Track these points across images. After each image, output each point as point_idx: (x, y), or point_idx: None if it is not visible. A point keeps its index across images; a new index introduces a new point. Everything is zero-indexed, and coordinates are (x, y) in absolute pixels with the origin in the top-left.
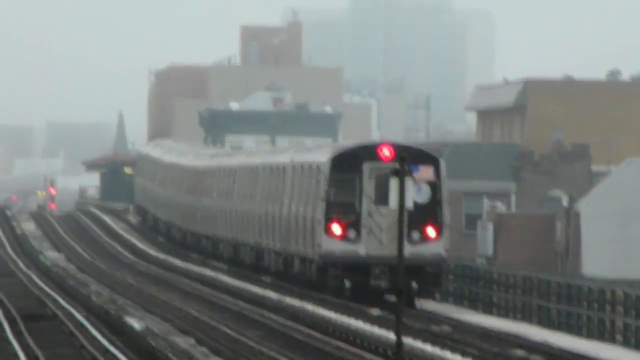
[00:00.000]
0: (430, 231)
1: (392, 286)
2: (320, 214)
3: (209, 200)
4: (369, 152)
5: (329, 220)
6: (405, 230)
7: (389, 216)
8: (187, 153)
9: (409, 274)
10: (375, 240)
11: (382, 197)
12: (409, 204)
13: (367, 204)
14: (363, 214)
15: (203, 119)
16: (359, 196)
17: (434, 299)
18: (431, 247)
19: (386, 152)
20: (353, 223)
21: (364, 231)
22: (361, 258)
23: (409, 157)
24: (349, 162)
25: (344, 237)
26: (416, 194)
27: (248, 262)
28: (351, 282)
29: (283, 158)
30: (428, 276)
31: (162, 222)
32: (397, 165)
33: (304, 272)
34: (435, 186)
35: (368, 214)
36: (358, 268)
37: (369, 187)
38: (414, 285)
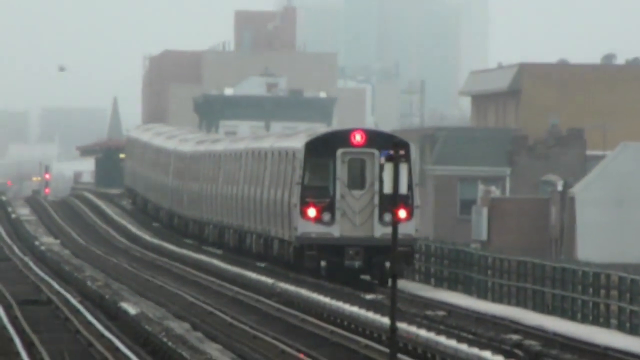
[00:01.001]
0: (402, 213)
1: (367, 266)
2: (296, 198)
3: (195, 184)
4: (341, 138)
5: (304, 203)
6: (377, 212)
7: (362, 199)
8: (175, 137)
9: (382, 254)
10: (349, 223)
11: (355, 181)
12: (403, 189)
13: (340, 188)
14: (337, 197)
15: (197, 105)
16: (333, 180)
17: (404, 277)
18: (402, 228)
19: (358, 137)
20: (327, 206)
21: (338, 214)
22: (336, 239)
23: (380, 143)
24: (323, 148)
25: (318, 220)
26: None
27: (232, 244)
28: (326, 262)
29: (264, 144)
30: (400, 255)
31: (151, 204)
32: (368, 150)
33: (282, 253)
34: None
35: (341, 197)
36: (333, 249)
37: (342, 171)
38: (387, 264)
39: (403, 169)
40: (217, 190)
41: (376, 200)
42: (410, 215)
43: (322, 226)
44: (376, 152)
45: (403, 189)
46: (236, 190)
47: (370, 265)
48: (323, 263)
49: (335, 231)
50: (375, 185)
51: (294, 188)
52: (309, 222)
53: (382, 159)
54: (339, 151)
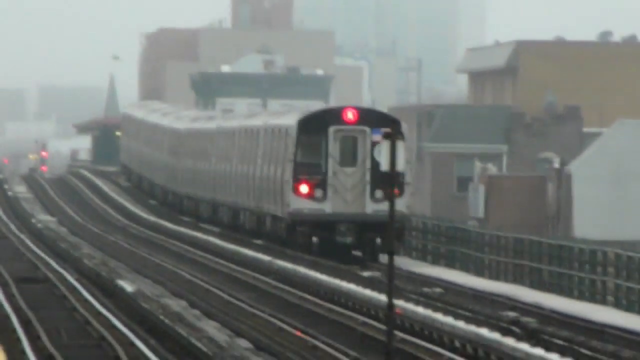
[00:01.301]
0: None
1: (358, 242)
2: (288, 175)
3: (189, 161)
4: (334, 115)
5: (296, 180)
6: (368, 189)
7: (353, 176)
8: (169, 114)
9: (373, 230)
10: (341, 199)
11: (346, 158)
12: (400, 166)
13: (332, 165)
14: (329, 174)
15: (194, 82)
16: (325, 157)
17: (398, 254)
18: None
19: (350, 115)
20: (319, 183)
21: (329, 190)
22: (327, 216)
23: (372, 120)
24: (315, 125)
25: (311, 196)
26: (379, 154)
27: (225, 221)
28: (318, 238)
29: (257, 121)
30: None
31: (146, 181)
32: (360, 128)
33: (275, 229)
34: None
35: (333, 174)
36: (324, 225)
37: (334, 148)
38: (378, 241)
39: (401, 146)
40: (211, 167)
41: (368, 177)
42: (400, 192)
43: (314, 202)
44: (368, 129)
45: (400, 166)
46: (230, 167)
47: (361, 242)
48: (315, 239)
49: (327, 207)
50: (367, 163)
51: (287, 165)
52: (301, 199)
53: (375, 137)
54: (331, 128)
